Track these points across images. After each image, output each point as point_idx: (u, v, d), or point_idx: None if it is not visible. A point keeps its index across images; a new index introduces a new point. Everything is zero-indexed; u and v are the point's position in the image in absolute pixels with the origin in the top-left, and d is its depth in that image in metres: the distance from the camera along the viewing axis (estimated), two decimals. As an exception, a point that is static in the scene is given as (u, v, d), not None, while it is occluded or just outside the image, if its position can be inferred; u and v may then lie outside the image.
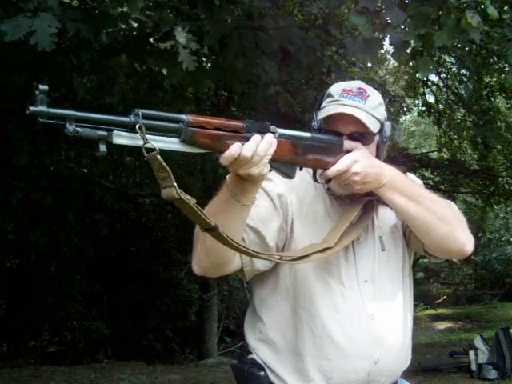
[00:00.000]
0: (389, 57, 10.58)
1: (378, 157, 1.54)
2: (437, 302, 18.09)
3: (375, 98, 1.55)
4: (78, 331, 10.06)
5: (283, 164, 1.36)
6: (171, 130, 1.17)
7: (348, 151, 1.46)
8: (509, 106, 9.25)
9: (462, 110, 9.64)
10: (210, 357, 9.49)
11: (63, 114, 1.05)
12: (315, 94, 7.33)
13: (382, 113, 1.54)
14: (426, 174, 10.14)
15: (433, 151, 12.02)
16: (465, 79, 8.66)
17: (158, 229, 10.55)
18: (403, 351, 1.60)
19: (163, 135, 1.16)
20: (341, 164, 1.43)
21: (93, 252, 9.33)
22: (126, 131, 1.11)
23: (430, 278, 18.68)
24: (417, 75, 8.93)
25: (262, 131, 1.27)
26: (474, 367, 6.73)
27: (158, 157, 1.11)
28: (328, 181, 1.50)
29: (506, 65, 7.44)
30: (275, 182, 1.51)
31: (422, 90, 9.64)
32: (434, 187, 9.01)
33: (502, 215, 16.09)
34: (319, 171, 1.49)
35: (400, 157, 8.72)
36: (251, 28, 3.90)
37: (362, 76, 8.40)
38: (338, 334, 1.50)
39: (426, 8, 2.72)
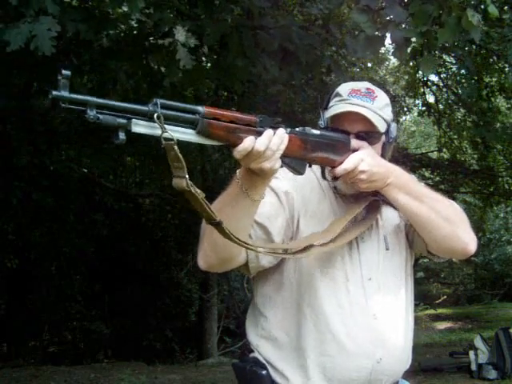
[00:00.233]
0: (389, 56, 10.60)
1: (383, 157, 1.56)
2: (437, 302, 18.12)
3: (383, 98, 1.57)
4: (78, 331, 10.06)
5: (294, 159, 1.37)
6: (187, 121, 1.18)
7: (355, 150, 1.48)
8: (509, 105, 9.26)
9: (462, 109, 9.64)
10: (210, 357, 9.49)
11: (85, 99, 1.06)
12: (315, 94, 7.33)
13: (388, 113, 1.57)
14: (426, 173, 10.15)
15: (433, 151, 12.02)
16: (463, 80, 8.66)
17: (158, 229, 10.55)
18: (405, 351, 1.60)
19: (180, 126, 1.17)
20: (348, 163, 1.44)
21: (93, 252, 9.32)
22: (145, 120, 1.12)
23: (430, 277, 18.71)
24: (419, 73, 8.92)
25: (274, 126, 1.28)
26: (473, 367, 6.73)
27: (175, 147, 1.12)
28: (335, 179, 1.52)
29: (506, 65, 7.45)
30: (281, 180, 1.52)
31: (422, 89, 9.63)
32: (434, 187, 8.99)
33: (501, 215, 16.10)
34: (327, 169, 1.51)
35: (400, 157, 8.71)
36: (251, 27, 3.90)
37: (361, 76, 8.40)
38: (340, 332, 1.50)
39: (427, 6, 2.73)
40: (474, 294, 19.08)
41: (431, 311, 16.33)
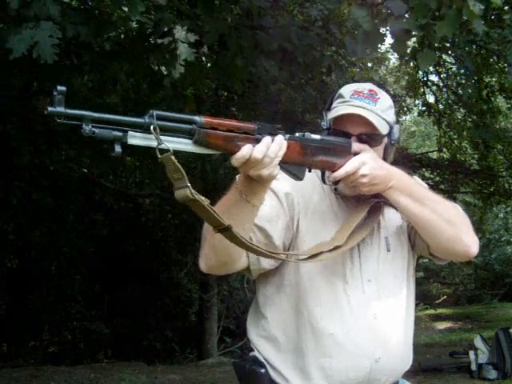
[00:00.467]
0: (389, 56, 10.60)
1: (385, 159, 1.55)
2: (437, 302, 18.12)
3: (385, 100, 1.56)
4: (78, 331, 10.06)
5: (292, 165, 1.37)
6: (184, 131, 1.18)
7: (356, 153, 1.47)
8: (509, 106, 9.25)
9: (462, 110, 9.63)
10: (210, 357, 9.49)
11: (80, 114, 1.07)
12: (315, 94, 7.33)
13: (391, 116, 1.56)
14: (426, 174, 10.13)
15: (433, 151, 12.02)
16: (463, 80, 8.65)
17: (158, 229, 10.54)
18: (405, 351, 1.60)
19: (176, 136, 1.17)
20: (349, 166, 1.44)
21: (93, 252, 9.32)
22: (141, 132, 1.12)
23: (430, 277, 18.69)
24: (419, 73, 8.91)
25: (273, 133, 1.28)
26: (474, 367, 6.73)
27: (172, 157, 1.12)
28: (336, 182, 1.51)
29: (506, 65, 7.44)
30: (282, 181, 1.51)
31: (422, 89, 9.62)
32: (434, 187, 9.00)
33: (501, 215, 16.10)
34: (327, 173, 1.50)
35: (400, 157, 8.71)
36: (250, 27, 3.90)
37: (362, 76, 8.39)
38: (339, 333, 1.50)
39: (427, -1, 2.70)
40: (474, 294, 19.08)
41: (431, 311, 16.33)
